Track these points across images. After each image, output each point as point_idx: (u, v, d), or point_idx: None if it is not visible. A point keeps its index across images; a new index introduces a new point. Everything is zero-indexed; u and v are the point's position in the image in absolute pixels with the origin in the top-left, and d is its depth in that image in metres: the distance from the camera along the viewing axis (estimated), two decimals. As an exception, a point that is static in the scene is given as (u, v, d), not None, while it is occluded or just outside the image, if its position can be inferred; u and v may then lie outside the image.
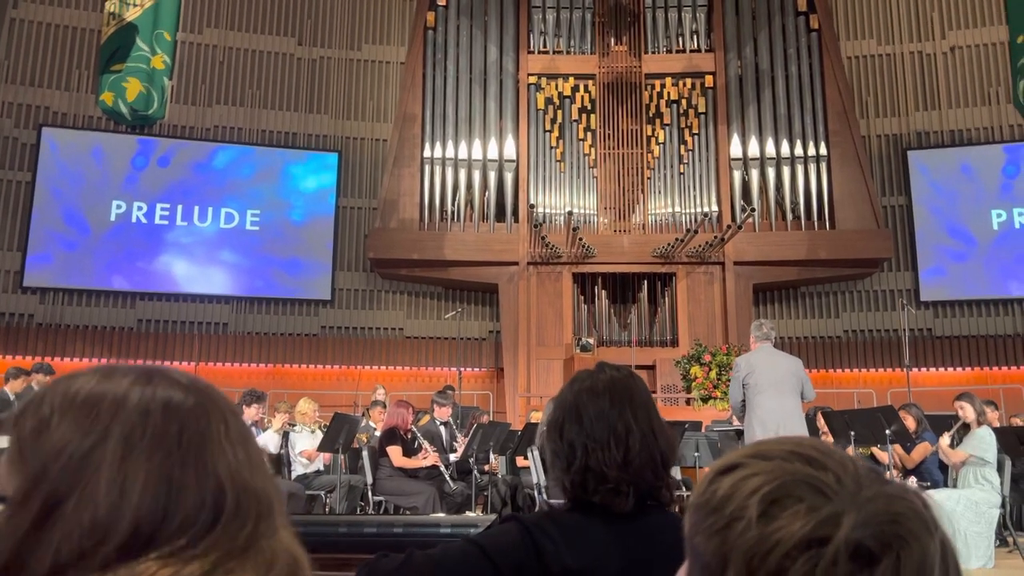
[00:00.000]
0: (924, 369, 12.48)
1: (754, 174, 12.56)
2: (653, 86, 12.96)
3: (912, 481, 6.22)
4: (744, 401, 5.73)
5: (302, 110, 13.22)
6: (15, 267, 11.90)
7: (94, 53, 12.62)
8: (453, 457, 7.41)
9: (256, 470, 0.73)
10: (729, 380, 10.44)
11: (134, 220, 12.44)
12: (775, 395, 5.59)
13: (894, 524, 0.54)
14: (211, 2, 13.18)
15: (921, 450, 6.82)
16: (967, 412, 6.27)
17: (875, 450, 6.98)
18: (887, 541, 0.53)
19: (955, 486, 6.21)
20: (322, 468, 7.71)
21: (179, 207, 12.64)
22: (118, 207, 12.40)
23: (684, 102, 12.90)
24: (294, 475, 7.28)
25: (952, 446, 6.26)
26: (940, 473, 6.89)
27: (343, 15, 13.59)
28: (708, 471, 0.62)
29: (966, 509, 5.66)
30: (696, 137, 12.74)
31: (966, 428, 6.31)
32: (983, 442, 6.03)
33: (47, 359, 10.60)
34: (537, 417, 8.03)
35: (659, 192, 12.59)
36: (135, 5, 12.65)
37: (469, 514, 6.37)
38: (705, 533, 0.57)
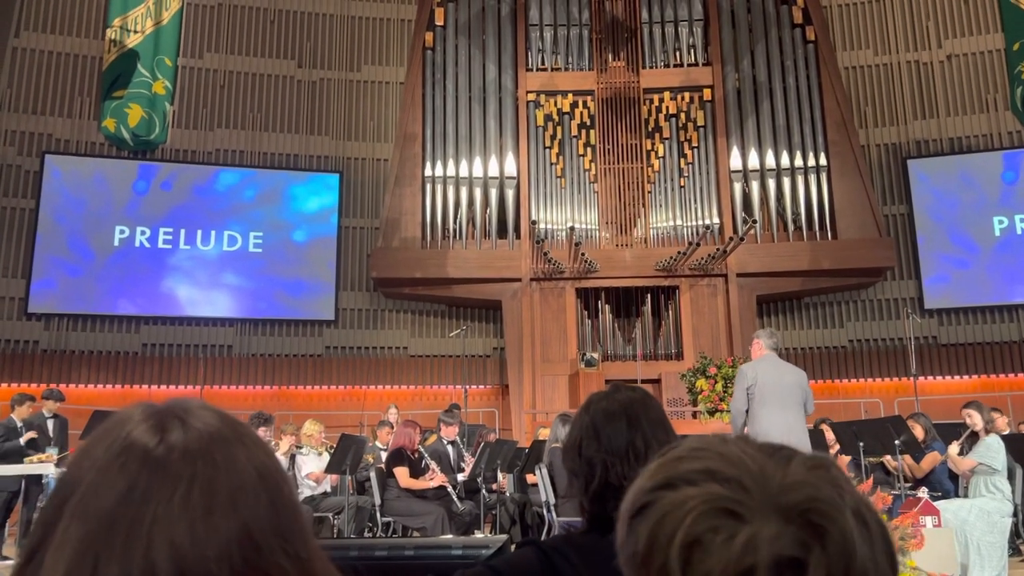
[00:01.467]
0: (930, 377, 12.44)
1: (754, 186, 12.58)
2: (652, 101, 13.02)
3: (923, 492, 6.18)
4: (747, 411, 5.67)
5: (303, 132, 13.29)
6: (20, 294, 11.92)
7: (96, 80, 12.71)
8: (461, 477, 7.38)
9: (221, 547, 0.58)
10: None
11: (137, 245, 12.48)
12: (779, 409, 5.51)
13: (806, 514, 0.53)
14: (211, 27, 13.29)
15: (930, 460, 6.78)
16: (975, 420, 6.26)
17: (887, 459, 6.94)
18: (807, 539, 0.52)
19: (966, 495, 6.18)
20: (329, 490, 7.69)
21: (182, 231, 12.68)
22: (121, 232, 12.44)
23: (683, 116, 12.95)
24: (301, 498, 7.26)
25: (961, 455, 6.23)
26: (951, 483, 6.85)
27: (342, 37, 13.69)
28: (622, 512, 0.60)
29: (978, 519, 5.62)
30: (696, 150, 12.78)
31: (975, 436, 6.29)
32: (990, 450, 6.00)
33: (53, 385, 10.59)
34: (545, 434, 8.01)
35: (660, 206, 12.62)
36: (136, 32, 12.75)
37: (479, 535, 6.34)
38: None
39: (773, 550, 0.52)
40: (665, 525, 0.55)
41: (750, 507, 0.54)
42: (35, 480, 7.42)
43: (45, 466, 7.28)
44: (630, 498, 0.59)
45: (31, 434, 7.63)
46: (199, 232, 12.73)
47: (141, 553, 0.56)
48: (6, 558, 7.17)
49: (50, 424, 8.02)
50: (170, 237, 12.63)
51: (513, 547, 1.44)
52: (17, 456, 7.49)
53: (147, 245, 12.52)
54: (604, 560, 1.34)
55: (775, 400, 5.53)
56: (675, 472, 0.58)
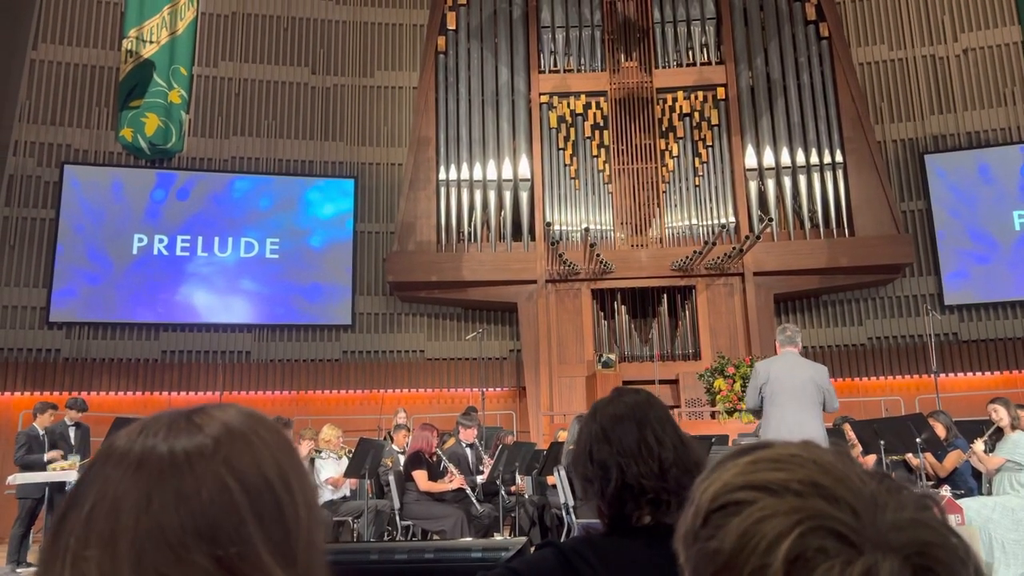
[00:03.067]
0: (951, 374, 12.32)
1: (770, 184, 12.52)
2: (665, 100, 12.99)
3: (945, 490, 6.12)
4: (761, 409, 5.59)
5: (317, 138, 13.37)
6: (41, 303, 12.06)
7: (113, 90, 12.85)
8: (479, 479, 7.39)
9: None
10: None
11: (155, 253, 12.59)
12: (792, 409, 5.37)
13: (923, 557, 0.51)
14: (225, 36, 13.40)
15: (953, 458, 6.72)
16: (1001, 416, 6.19)
17: (909, 456, 6.88)
18: None
19: (990, 493, 6.11)
20: (348, 494, 7.71)
21: (199, 238, 12.78)
22: (140, 240, 12.56)
23: (697, 115, 12.91)
24: (320, 502, 7.29)
25: (986, 451, 6.16)
26: (974, 480, 6.78)
27: (355, 43, 13.76)
28: (701, 500, 0.57)
29: (1002, 516, 5.56)
30: (710, 149, 12.73)
31: (999, 433, 6.22)
32: (1018, 446, 5.94)
33: (74, 393, 10.72)
34: (563, 436, 8.00)
35: (675, 205, 12.58)
36: (152, 42, 12.88)
37: (498, 537, 6.34)
38: None
39: None
40: (765, 530, 0.52)
41: (863, 535, 0.51)
42: (59, 488, 7.49)
43: (68, 473, 7.36)
44: (713, 490, 0.57)
45: (54, 454, 7.69)
46: (216, 239, 12.83)
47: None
48: (31, 565, 7.25)
49: (71, 432, 8.10)
50: (188, 244, 12.74)
51: (532, 549, 1.45)
52: (41, 464, 7.58)
53: (165, 253, 12.63)
54: (624, 562, 1.34)
55: (788, 399, 5.39)
56: (775, 478, 0.55)
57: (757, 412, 5.62)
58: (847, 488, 0.54)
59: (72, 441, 8.05)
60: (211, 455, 0.63)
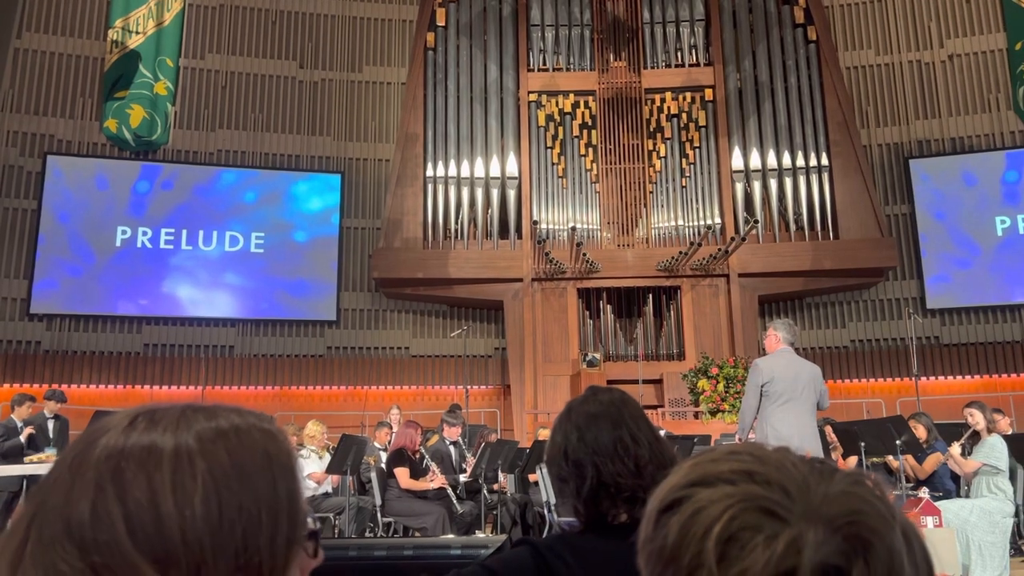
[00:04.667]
0: (932, 378, 12.42)
1: (756, 186, 12.57)
2: (653, 101, 13.02)
3: (924, 492, 6.17)
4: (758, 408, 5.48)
5: (304, 132, 13.30)
6: (22, 294, 11.94)
7: (98, 81, 12.73)
8: (462, 477, 7.38)
9: None
10: (737, 393, 10.44)
11: (139, 245, 12.49)
12: (793, 409, 5.32)
13: (852, 526, 0.53)
14: (212, 28, 13.31)
15: (933, 461, 6.77)
16: (977, 419, 6.24)
17: (889, 459, 6.93)
18: (851, 550, 0.52)
19: (968, 496, 6.16)
20: (330, 490, 7.68)
21: (183, 231, 12.69)
22: (123, 233, 12.46)
23: (684, 116, 12.94)
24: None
25: (963, 455, 6.22)
26: (952, 483, 6.84)
27: (343, 38, 13.70)
28: (650, 507, 0.59)
29: (979, 519, 5.61)
30: (697, 150, 12.77)
31: (976, 436, 6.27)
32: (994, 450, 5.99)
33: (55, 386, 10.61)
34: (545, 434, 8.00)
35: (662, 206, 12.61)
36: (137, 33, 12.77)
37: (479, 535, 6.34)
38: None
39: (818, 556, 0.51)
40: (700, 519, 0.54)
41: (793, 511, 0.53)
42: (35, 481, 7.41)
43: (45, 466, 7.29)
44: (660, 494, 0.58)
45: (29, 429, 7.64)
46: (201, 232, 12.75)
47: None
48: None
49: (50, 424, 8.02)
50: (172, 237, 12.65)
51: (505, 543, 1.44)
52: (17, 456, 7.49)
53: (149, 246, 12.53)
54: (600, 560, 1.34)
55: (790, 400, 5.34)
56: (712, 471, 0.57)
57: (755, 410, 5.46)
58: (780, 472, 0.55)
59: (50, 434, 7.96)
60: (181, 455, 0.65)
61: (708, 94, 12.97)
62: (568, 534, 1.41)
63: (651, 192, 12.67)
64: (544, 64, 13.20)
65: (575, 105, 12.97)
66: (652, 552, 0.56)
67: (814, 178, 12.56)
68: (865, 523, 0.53)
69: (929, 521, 5.07)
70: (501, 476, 7.61)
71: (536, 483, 7.03)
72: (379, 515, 6.96)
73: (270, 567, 0.63)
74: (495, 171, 12.68)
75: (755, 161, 12.64)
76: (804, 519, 0.52)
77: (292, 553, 0.66)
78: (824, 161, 12.65)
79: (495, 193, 12.61)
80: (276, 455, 0.68)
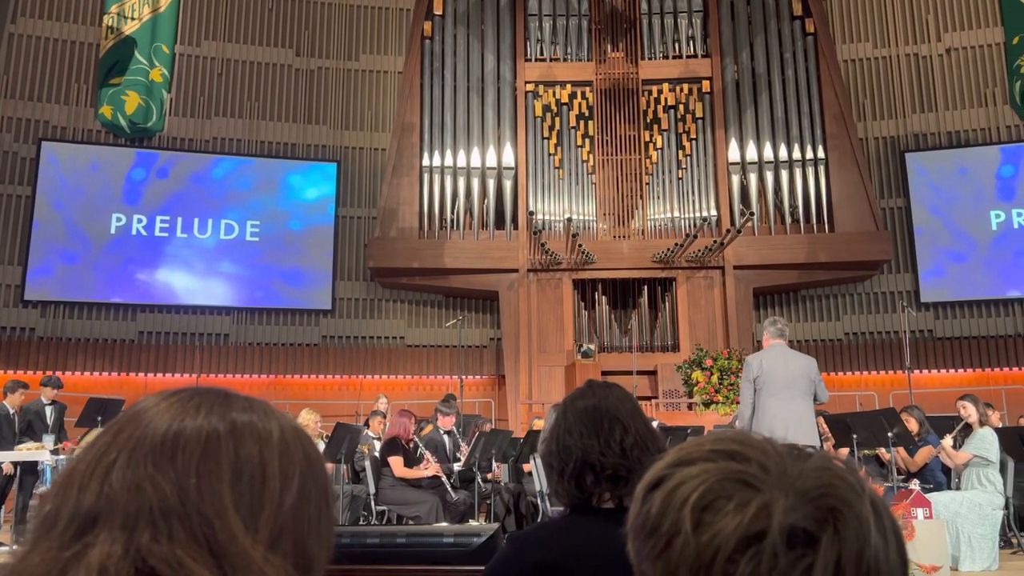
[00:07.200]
0: (925, 371, 12.47)
1: (752, 178, 12.58)
2: (650, 92, 13.00)
3: (915, 484, 6.21)
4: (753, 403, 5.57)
5: (301, 121, 13.26)
6: (16, 281, 11.91)
7: (93, 67, 12.67)
8: (456, 466, 7.40)
9: None
10: (731, 384, 10.48)
11: (134, 232, 12.46)
12: (785, 399, 5.42)
13: (824, 497, 0.55)
14: (209, 14, 13.24)
15: (925, 453, 6.81)
16: (970, 412, 6.28)
17: (881, 451, 6.97)
18: (821, 517, 0.54)
19: (958, 488, 6.21)
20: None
21: (179, 219, 12.66)
22: (118, 220, 12.42)
23: (681, 107, 12.93)
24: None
25: (955, 447, 6.25)
26: (943, 475, 6.88)
27: (341, 26, 13.64)
28: (637, 491, 0.61)
29: (969, 511, 5.65)
30: (694, 142, 12.76)
31: (968, 429, 6.32)
32: (985, 442, 6.04)
33: (48, 373, 10.59)
34: (539, 425, 8.03)
35: (658, 197, 12.61)
36: (133, 19, 12.69)
37: (472, 523, 6.36)
38: (649, 558, 0.57)
39: (787, 519, 0.53)
40: (680, 492, 0.57)
41: (767, 483, 0.55)
42: (30, 468, 7.42)
43: (38, 453, 7.28)
44: (647, 477, 0.61)
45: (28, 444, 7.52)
46: (196, 220, 12.72)
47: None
48: (1, 544, 7.19)
49: (48, 411, 8.00)
50: (167, 225, 12.62)
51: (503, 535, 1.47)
52: (10, 443, 7.48)
53: (144, 233, 12.50)
54: (583, 537, 1.35)
55: (781, 391, 5.43)
56: (694, 452, 0.60)
57: (750, 409, 5.57)
58: (759, 451, 0.58)
59: (48, 420, 7.94)
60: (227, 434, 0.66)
61: (705, 86, 12.95)
62: (551, 520, 1.43)
63: (647, 183, 12.67)
64: (541, 54, 13.16)
65: (572, 95, 12.94)
66: (637, 527, 0.59)
67: (810, 171, 12.57)
68: (836, 494, 0.55)
69: (919, 513, 5.10)
70: (495, 465, 7.64)
71: (530, 473, 7.06)
72: (373, 503, 6.99)
73: (319, 561, 0.68)
74: (491, 161, 12.66)
75: (751, 153, 12.64)
76: (777, 488, 0.55)
77: (331, 549, 0.69)
78: (820, 154, 12.66)
79: (491, 183, 12.60)
80: (319, 457, 0.72)
